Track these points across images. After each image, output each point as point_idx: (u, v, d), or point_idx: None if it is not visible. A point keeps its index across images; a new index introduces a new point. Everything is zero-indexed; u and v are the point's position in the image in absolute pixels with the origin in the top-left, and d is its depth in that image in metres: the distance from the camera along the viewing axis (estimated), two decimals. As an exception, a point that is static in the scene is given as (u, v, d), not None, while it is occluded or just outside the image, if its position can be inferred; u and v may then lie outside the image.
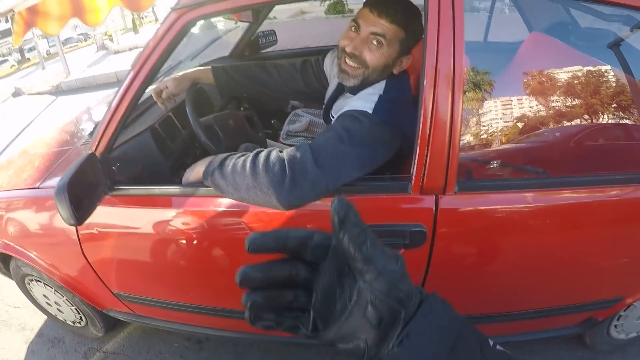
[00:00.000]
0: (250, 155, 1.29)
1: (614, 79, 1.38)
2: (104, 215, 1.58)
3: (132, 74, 1.42)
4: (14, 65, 24.48)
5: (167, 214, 1.53)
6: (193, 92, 1.80)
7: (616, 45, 1.40)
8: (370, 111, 1.31)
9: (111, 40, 14.40)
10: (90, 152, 1.47)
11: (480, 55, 1.55)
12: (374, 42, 1.35)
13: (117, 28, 14.13)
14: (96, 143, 1.50)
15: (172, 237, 1.55)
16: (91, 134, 2.05)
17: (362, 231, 0.41)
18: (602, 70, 1.38)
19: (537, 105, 1.34)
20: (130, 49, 12.47)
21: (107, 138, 1.48)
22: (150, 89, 1.72)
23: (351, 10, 11.42)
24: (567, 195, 1.32)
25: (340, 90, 1.62)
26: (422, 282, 1.43)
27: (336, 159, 1.23)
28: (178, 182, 1.52)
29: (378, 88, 1.41)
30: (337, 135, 1.26)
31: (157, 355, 2.26)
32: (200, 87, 1.92)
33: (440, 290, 1.34)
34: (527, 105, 1.35)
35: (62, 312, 2.29)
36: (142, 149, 1.84)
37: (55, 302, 2.23)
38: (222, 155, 1.36)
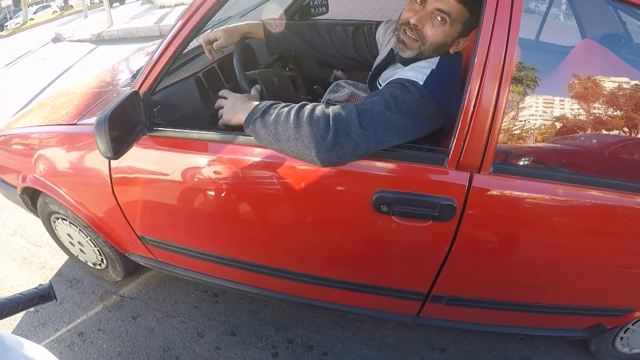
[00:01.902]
0: (295, 106, 1.29)
1: (659, 98, 1.36)
2: (139, 156, 1.61)
3: (181, 21, 1.44)
4: (57, 11, 24.74)
5: (202, 159, 1.55)
6: (241, 45, 1.80)
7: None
8: (421, 82, 1.30)
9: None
10: (134, 89, 1.50)
11: (531, 53, 1.53)
12: (438, 18, 1.34)
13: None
14: (140, 82, 1.52)
15: (204, 183, 1.56)
16: (134, 76, 2.07)
17: None
18: (649, 87, 1.35)
19: (578, 109, 1.32)
20: (175, 5, 12.48)
21: (152, 79, 1.50)
22: (200, 37, 1.72)
23: (404, -8, 11.20)
24: (596, 195, 1.30)
25: (390, 59, 1.61)
26: (445, 257, 1.43)
27: (380, 124, 1.23)
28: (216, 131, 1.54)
29: (431, 62, 1.40)
30: (384, 101, 1.26)
31: (173, 304, 2.31)
32: (248, 44, 1.92)
33: (461, 269, 1.35)
34: (568, 108, 1.33)
35: (84, 253, 2.35)
36: (184, 95, 1.86)
37: (79, 242, 2.28)
38: (266, 103, 1.36)
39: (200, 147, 1.54)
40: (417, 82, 1.30)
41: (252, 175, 1.49)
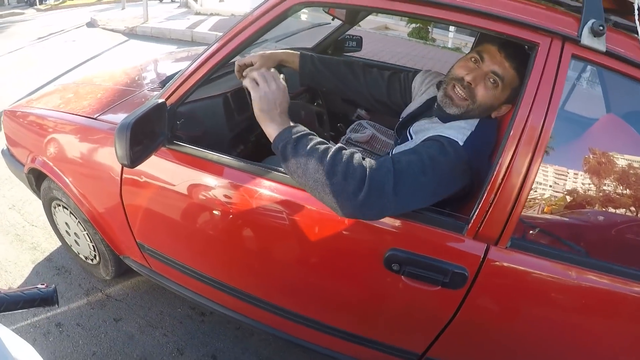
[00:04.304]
0: (333, 148, 1.19)
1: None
2: (155, 165, 1.59)
3: (221, 41, 1.43)
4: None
5: (216, 182, 1.53)
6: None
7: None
8: (461, 143, 1.27)
9: (195, 0, 14.55)
10: (162, 100, 1.48)
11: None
12: (491, 81, 1.35)
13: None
14: (169, 93, 1.51)
15: (214, 205, 1.54)
16: (163, 83, 2.06)
17: None
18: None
19: (589, 184, 1.30)
20: (211, 14, 12.57)
21: (182, 92, 1.49)
22: (236, 59, 1.70)
23: (434, 40, 11.34)
24: (607, 282, 1.27)
25: (425, 109, 1.59)
26: (447, 323, 1.40)
27: (413, 191, 1.18)
28: (234, 155, 1.51)
29: (470, 124, 1.37)
30: (421, 164, 1.20)
31: (158, 315, 2.26)
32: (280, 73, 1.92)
33: (460, 336, 1.30)
34: (582, 182, 1.31)
35: (78, 245, 2.32)
36: (210, 112, 1.85)
37: (75, 233, 2.26)
38: (302, 130, 1.24)
39: (216, 169, 1.52)
40: (457, 143, 1.27)
41: (263, 207, 1.46)
